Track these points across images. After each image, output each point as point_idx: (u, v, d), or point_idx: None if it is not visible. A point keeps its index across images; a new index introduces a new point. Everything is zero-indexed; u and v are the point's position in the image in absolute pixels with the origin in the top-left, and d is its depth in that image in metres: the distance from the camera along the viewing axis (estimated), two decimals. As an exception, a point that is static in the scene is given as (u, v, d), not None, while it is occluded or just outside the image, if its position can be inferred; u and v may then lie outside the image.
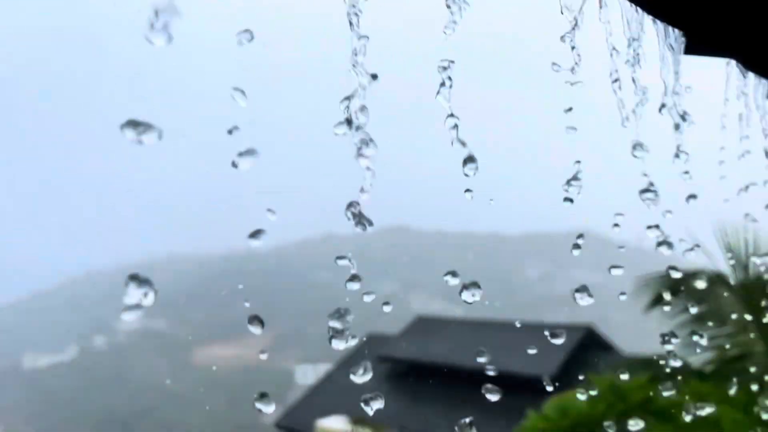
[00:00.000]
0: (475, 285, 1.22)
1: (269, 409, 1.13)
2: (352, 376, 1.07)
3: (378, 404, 1.07)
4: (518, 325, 16.98)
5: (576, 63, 1.25)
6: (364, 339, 19.44)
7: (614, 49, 1.29)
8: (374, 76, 1.01)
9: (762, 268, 5.88)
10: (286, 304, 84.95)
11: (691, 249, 1.76)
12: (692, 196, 1.61)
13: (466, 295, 1.20)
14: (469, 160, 1.11)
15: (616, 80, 1.33)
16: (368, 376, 1.07)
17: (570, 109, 1.33)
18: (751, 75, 1.52)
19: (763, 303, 5.62)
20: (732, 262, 6.15)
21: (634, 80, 1.33)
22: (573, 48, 1.23)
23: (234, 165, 0.95)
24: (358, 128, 1.01)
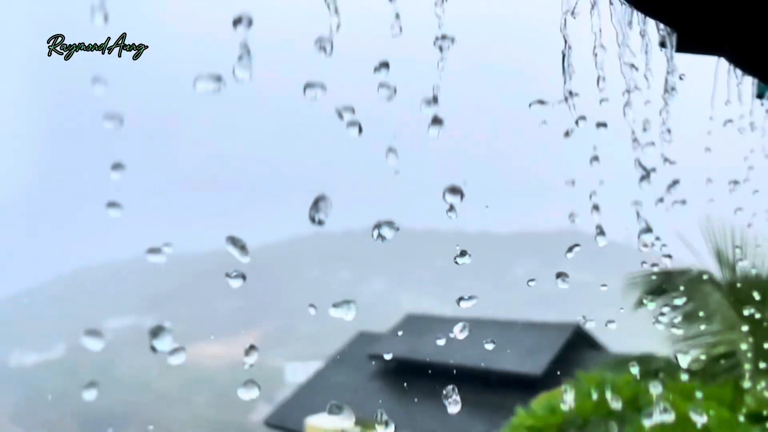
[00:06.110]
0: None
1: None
2: None
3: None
4: (508, 324, 17.04)
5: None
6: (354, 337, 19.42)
7: (602, 46, 1.29)
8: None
9: (748, 267, 5.93)
10: (275, 302, 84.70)
11: (668, 254, 1.77)
12: (682, 202, 1.62)
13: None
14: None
15: (601, 78, 1.33)
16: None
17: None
18: (739, 72, 1.53)
19: (750, 301, 5.67)
20: (719, 260, 6.21)
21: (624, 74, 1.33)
22: (569, 48, 1.23)
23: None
24: None
